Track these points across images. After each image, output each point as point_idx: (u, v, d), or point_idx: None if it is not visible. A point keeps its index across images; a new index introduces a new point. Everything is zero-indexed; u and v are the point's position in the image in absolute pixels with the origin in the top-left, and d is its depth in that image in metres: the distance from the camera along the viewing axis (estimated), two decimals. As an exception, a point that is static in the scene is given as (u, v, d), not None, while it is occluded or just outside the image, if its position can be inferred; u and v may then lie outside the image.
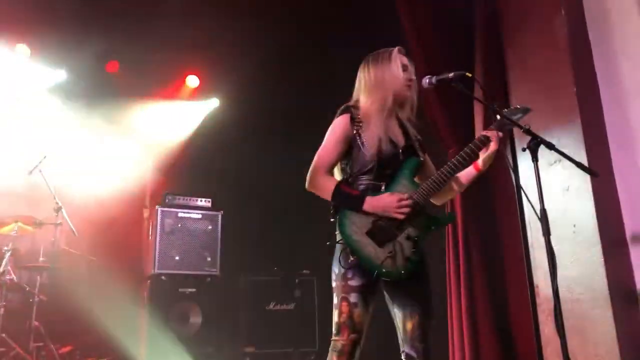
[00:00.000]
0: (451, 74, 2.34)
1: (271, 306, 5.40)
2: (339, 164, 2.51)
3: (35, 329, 4.70)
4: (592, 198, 3.03)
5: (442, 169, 2.38)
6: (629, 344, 2.88)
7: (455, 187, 2.53)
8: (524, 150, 2.20)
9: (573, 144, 3.18)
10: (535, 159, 2.17)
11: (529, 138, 2.19)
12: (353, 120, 2.45)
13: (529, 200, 2.21)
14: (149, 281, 5.23)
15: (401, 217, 2.29)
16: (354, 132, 2.44)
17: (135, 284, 5.61)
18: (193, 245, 5.42)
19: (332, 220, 2.41)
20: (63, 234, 5.37)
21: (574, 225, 3.15)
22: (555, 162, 3.31)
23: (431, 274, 2.46)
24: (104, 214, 5.81)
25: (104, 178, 5.94)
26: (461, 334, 4.00)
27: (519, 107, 2.39)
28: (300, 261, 5.78)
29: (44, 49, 5.86)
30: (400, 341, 2.39)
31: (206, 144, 6.44)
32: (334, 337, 2.29)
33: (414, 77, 2.50)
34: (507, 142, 3.75)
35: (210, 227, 5.56)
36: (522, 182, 2.30)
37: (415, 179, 2.44)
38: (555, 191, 3.28)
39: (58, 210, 5.21)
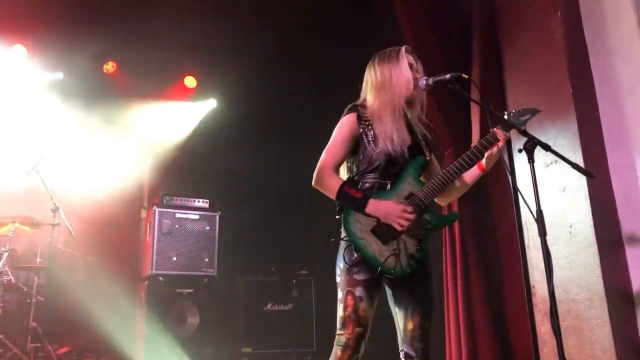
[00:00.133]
0: (447, 75, 2.34)
1: (269, 306, 5.40)
2: (345, 162, 2.52)
3: (32, 329, 4.69)
4: (588, 199, 3.05)
5: (447, 169, 2.38)
6: (625, 344, 2.89)
7: (459, 187, 2.54)
8: (520, 151, 2.21)
9: (569, 144, 3.19)
10: (531, 159, 2.18)
11: (525, 139, 2.20)
12: (360, 118, 2.46)
13: (525, 201, 2.22)
14: (146, 282, 5.23)
15: (400, 228, 2.29)
16: (361, 130, 2.45)
17: (132, 285, 5.61)
18: (191, 246, 5.41)
19: (337, 217, 2.41)
20: (60, 235, 5.36)
21: (570, 226, 3.16)
22: (551, 163, 3.32)
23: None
24: (102, 215, 5.81)
25: (102, 178, 5.94)
26: (458, 335, 4.01)
27: (527, 108, 2.38)
28: (297, 261, 5.78)
29: (41, 50, 5.86)
30: (399, 340, 2.40)
31: (204, 144, 6.44)
32: (338, 332, 2.29)
33: (420, 76, 2.49)
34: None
35: (207, 228, 5.55)
36: (518, 183, 2.30)
37: (421, 178, 2.44)
38: (552, 192, 3.29)
39: (55, 210, 5.20)
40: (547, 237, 2.12)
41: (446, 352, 4.12)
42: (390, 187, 2.38)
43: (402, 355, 2.38)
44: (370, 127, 2.44)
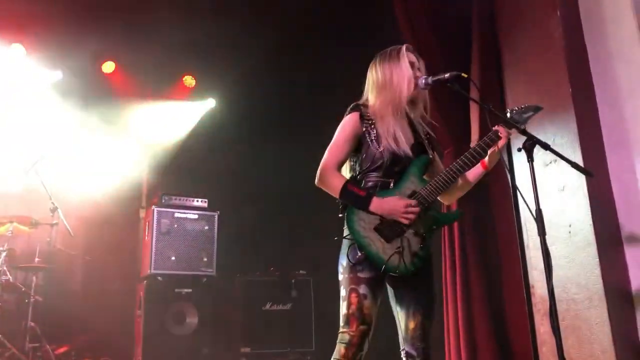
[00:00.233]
0: (447, 75, 2.34)
1: (267, 306, 5.40)
2: (348, 161, 2.52)
3: (31, 329, 4.69)
4: (587, 198, 3.05)
5: (450, 167, 2.38)
6: (624, 343, 2.89)
7: (462, 185, 2.54)
8: (519, 150, 2.21)
9: (568, 144, 3.19)
10: (530, 159, 2.18)
11: (524, 138, 2.20)
12: (363, 117, 2.47)
13: (524, 200, 2.22)
14: (145, 281, 5.22)
15: (407, 222, 2.29)
16: (364, 129, 2.45)
17: (131, 284, 5.60)
18: (189, 245, 5.40)
19: (340, 216, 2.41)
20: (59, 234, 5.36)
21: (570, 225, 3.16)
22: (550, 162, 3.32)
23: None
24: (100, 214, 5.81)
25: (100, 178, 5.94)
26: (457, 334, 4.01)
27: (529, 105, 2.38)
28: (296, 261, 5.78)
29: (40, 49, 5.85)
30: (400, 339, 2.40)
31: (203, 144, 6.44)
32: (341, 329, 2.28)
33: (421, 73, 2.49)
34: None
35: (206, 228, 5.55)
36: (517, 182, 2.29)
37: (424, 177, 2.44)
38: (551, 191, 3.29)
39: (54, 210, 5.20)
40: (547, 237, 2.12)
41: (445, 351, 4.12)
42: (393, 185, 2.39)
43: (403, 354, 2.38)
44: (373, 126, 2.44)
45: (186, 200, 5.62)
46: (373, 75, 2.55)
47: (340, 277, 2.36)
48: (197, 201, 5.66)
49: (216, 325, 5.27)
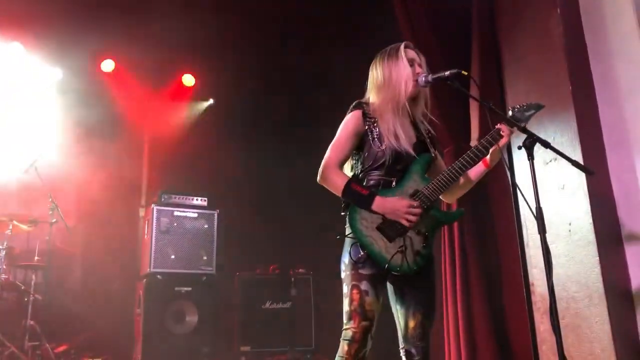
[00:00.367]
0: (447, 72, 2.34)
1: (267, 305, 5.39)
2: (350, 159, 2.52)
3: (30, 328, 4.69)
4: (587, 196, 3.04)
5: (452, 165, 2.38)
6: (624, 342, 2.89)
7: (464, 183, 2.54)
8: (519, 148, 2.20)
9: (568, 142, 3.19)
10: (530, 157, 2.17)
11: (524, 136, 2.19)
12: (365, 116, 2.46)
13: (524, 199, 2.21)
14: (144, 280, 5.22)
15: (408, 224, 2.29)
16: (366, 127, 2.45)
17: (130, 283, 5.60)
18: (189, 244, 5.40)
19: (342, 214, 2.40)
20: (58, 233, 5.36)
21: (570, 224, 3.16)
22: (550, 160, 3.32)
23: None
24: (100, 213, 5.81)
25: (100, 177, 5.93)
26: (457, 332, 4.01)
27: (531, 103, 2.38)
28: (296, 260, 5.78)
29: (39, 48, 5.85)
30: (400, 338, 2.40)
31: (202, 142, 6.44)
32: (344, 326, 2.29)
33: (422, 70, 2.49)
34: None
35: (206, 226, 5.54)
36: (517, 180, 2.29)
37: (426, 176, 2.44)
38: (551, 189, 3.29)
39: (53, 209, 5.20)
40: (547, 235, 2.11)
41: (445, 350, 4.12)
42: (396, 184, 2.38)
43: (402, 353, 2.38)
44: (375, 125, 2.44)
45: (186, 198, 5.62)
46: (374, 74, 2.55)
47: (343, 274, 2.37)
48: (197, 199, 5.66)
49: (216, 324, 5.27)
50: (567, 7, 3.40)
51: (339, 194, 2.38)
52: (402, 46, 2.52)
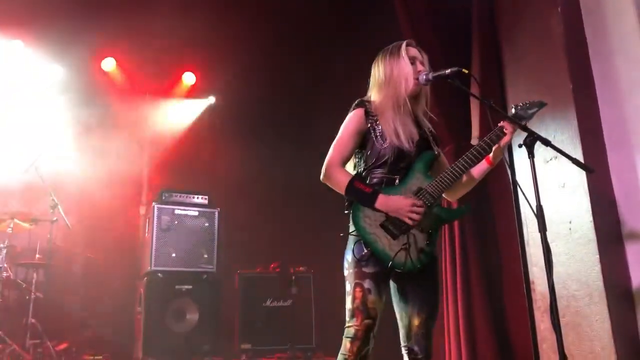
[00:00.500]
0: (448, 70, 2.34)
1: (268, 303, 5.40)
2: (352, 157, 2.52)
3: (31, 326, 4.70)
4: (587, 195, 3.04)
5: (456, 163, 2.38)
6: (624, 340, 2.89)
7: (467, 182, 2.53)
8: (520, 146, 2.20)
9: (569, 140, 3.19)
10: (531, 155, 2.17)
11: (525, 134, 2.19)
12: (367, 114, 2.47)
13: (525, 197, 2.21)
14: (145, 278, 5.23)
15: (411, 222, 2.28)
16: (369, 125, 2.45)
17: (131, 281, 5.61)
18: (190, 242, 5.41)
19: (346, 212, 2.40)
20: (59, 231, 5.37)
21: (570, 222, 3.16)
22: (551, 159, 3.32)
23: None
24: (101, 211, 5.81)
25: (101, 175, 5.93)
26: (457, 331, 4.02)
27: (533, 101, 2.38)
28: (296, 258, 5.78)
29: (40, 46, 5.85)
30: (402, 336, 2.39)
31: (203, 141, 6.45)
32: (347, 324, 2.28)
33: (423, 68, 2.49)
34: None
35: (207, 224, 5.55)
36: (518, 178, 2.29)
37: (429, 173, 2.43)
38: (551, 188, 3.29)
39: (54, 207, 5.20)
40: (547, 233, 2.11)
41: (446, 348, 4.12)
42: (399, 182, 2.38)
43: (404, 350, 2.38)
44: (377, 123, 2.44)
45: (186, 197, 5.63)
46: (375, 72, 2.55)
47: (346, 272, 2.36)
48: (198, 198, 5.67)
49: (216, 322, 5.27)
50: (568, 6, 3.39)
51: (342, 192, 2.38)
52: (404, 44, 2.52)
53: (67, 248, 5.46)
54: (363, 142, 2.47)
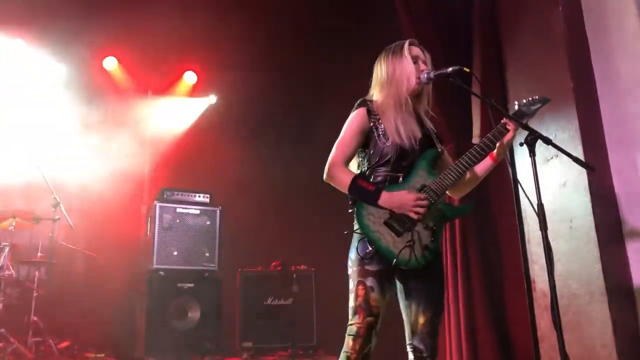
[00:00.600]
0: (449, 69, 2.34)
1: (269, 301, 5.41)
2: (356, 157, 2.52)
3: (34, 323, 4.71)
4: (588, 193, 3.05)
5: (459, 160, 2.37)
6: (625, 338, 2.89)
7: (471, 179, 2.54)
8: (521, 145, 2.20)
9: (570, 139, 3.19)
10: (532, 154, 2.17)
11: (526, 133, 2.20)
12: (370, 113, 2.47)
13: (526, 195, 2.22)
14: (147, 276, 5.24)
15: (416, 216, 2.28)
16: (371, 124, 2.45)
17: (133, 279, 5.62)
18: (191, 240, 5.42)
19: (350, 211, 2.40)
20: (61, 230, 5.37)
21: (571, 221, 3.17)
22: (552, 157, 3.32)
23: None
24: (103, 210, 5.81)
25: (102, 173, 5.94)
26: (458, 329, 4.02)
27: (537, 97, 2.38)
28: (298, 256, 5.79)
29: (42, 45, 5.86)
30: (407, 333, 2.39)
31: (204, 139, 6.45)
32: (349, 322, 2.29)
33: (426, 68, 2.49)
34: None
35: (208, 223, 5.56)
36: (519, 177, 2.30)
37: (434, 171, 2.43)
38: (552, 186, 3.29)
39: (56, 205, 5.21)
40: (548, 232, 2.12)
41: (446, 347, 4.13)
42: (403, 179, 2.38)
43: (409, 348, 2.37)
44: (380, 121, 2.44)
45: (188, 195, 5.64)
46: (378, 71, 2.55)
47: (349, 270, 2.37)
48: (199, 196, 5.67)
49: (218, 320, 5.28)
50: (569, 4, 3.39)
51: (345, 190, 2.38)
52: (406, 43, 2.52)
53: (69, 246, 5.47)
54: (366, 141, 2.47)
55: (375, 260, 2.28)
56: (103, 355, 5.13)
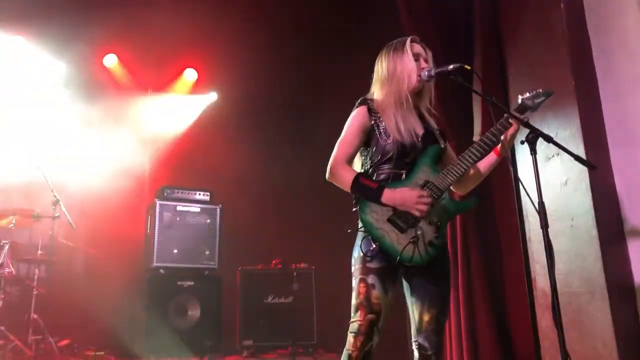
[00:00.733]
0: (450, 67, 2.33)
1: (269, 299, 5.40)
2: (359, 155, 2.52)
3: (33, 321, 4.70)
4: (590, 191, 3.04)
5: (463, 155, 2.37)
6: (626, 337, 2.89)
7: (474, 175, 2.53)
8: (522, 143, 2.20)
9: (571, 137, 3.19)
10: (533, 151, 2.17)
11: (527, 131, 2.19)
12: (371, 111, 2.46)
13: (527, 193, 2.21)
14: (147, 274, 5.23)
15: (419, 214, 2.27)
16: (372, 122, 2.45)
17: (133, 277, 5.61)
18: (191, 238, 5.41)
19: (354, 210, 2.40)
20: (61, 227, 5.37)
21: (572, 219, 3.16)
22: (553, 155, 3.32)
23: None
24: (102, 207, 5.80)
25: (102, 171, 5.94)
26: (459, 328, 4.02)
27: (540, 91, 2.37)
28: (298, 254, 5.78)
29: (42, 42, 5.85)
30: (413, 331, 2.39)
31: (205, 137, 6.44)
32: (351, 319, 2.29)
33: (427, 65, 2.48)
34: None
35: (208, 221, 5.55)
36: (520, 175, 2.29)
37: (437, 167, 2.43)
38: (554, 185, 3.28)
39: (56, 203, 5.20)
40: (549, 230, 2.11)
41: (447, 345, 4.12)
42: (406, 176, 2.37)
43: (414, 345, 2.37)
44: (381, 119, 2.44)
45: (188, 193, 5.63)
46: (379, 67, 2.55)
47: (352, 268, 2.37)
48: (199, 194, 5.67)
49: (218, 318, 5.28)
50: (571, 2, 3.38)
51: (348, 189, 2.38)
52: (408, 40, 2.52)
53: (69, 244, 5.46)
54: (367, 139, 2.47)
55: (378, 258, 2.28)
56: (103, 353, 5.12)
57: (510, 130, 2.36)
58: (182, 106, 6.82)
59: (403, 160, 2.38)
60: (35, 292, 4.82)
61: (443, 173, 2.36)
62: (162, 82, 6.72)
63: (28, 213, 5.07)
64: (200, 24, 5.59)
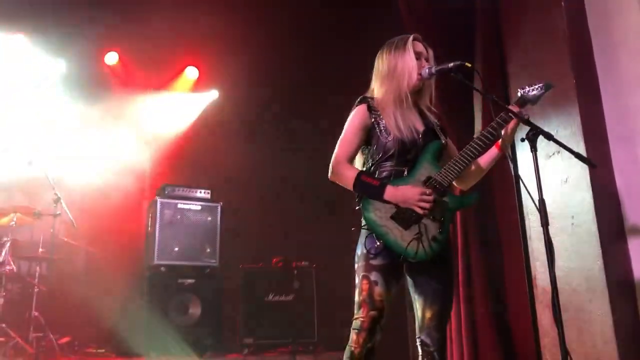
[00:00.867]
0: (451, 64, 2.33)
1: (270, 297, 5.40)
2: (360, 154, 2.53)
3: (34, 319, 4.71)
4: (590, 189, 3.04)
5: (464, 149, 2.37)
6: (626, 335, 2.89)
7: (476, 170, 2.53)
8: (522, 140, 2.20)
9: (572, 135, 3.19)
10: (533, 149, 2.17)
11: (527, 128, 2.19)
12: (371, 109, 2.47)
13: (527, 191, 2.21)
14: (148, 272, 5.23)
15: (422, 211, 2.28)
16: (372, 120, 2.45)
17: (134, 275, 5.62)
18: (192, 236, 5.41)
19: (357, 208, 2.40)
20: (62, 225, 5.38)
21: (573, 217, 3.16)
22: (554, 153, 3.32)
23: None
24: (103, 205, 5.81)
25: (103, 169, 5.94)
26: (459, 325, 4.02)
27: (541, 84, 2.36)
28: (299, 252, 5.79)
29: (43, 40, 5.85)
30: (417, 327, 2.40)
31: (206, 135, 6.44)
32: (354, 316, 2.30)
33: (428, 64, 2.48)
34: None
35: (209, 219, 5.56)
36: (520, 173, 2.29)
37: (439, 163, 2.43)
38: (554, 182, 3.29)
39: (57, 201, 5.21)
40: (549, 228, 2.11)
41: (447, 342, 4.12)
42: (407, 173, 2.38)
43: (418, 342, 2.38)
44: (381, 117, 2.44)
45: (189, 191, 5.63)
46: (379, 65, 2.55)
47: (355, 266, 2.38)
48: (200, 192, 5.67)
49: (219, 316, 5.29)
50: (572, 1, 3.38)
51: (350, 187, 2.39)
52: (410, 38, 2.51)
53: (70, 242, 5.47)
54: (368, 137, 2.48)
55: (381, 255, 2.29)
56: (104, 350, 5.14)
57: (510, 125, 2.36)
58: (183, 104, 6.82)
59: (404, 157, 2.39)
60: (36, 290, 4.83)
61: (445, 169, 2.36)
62: (163, 80, 6.73)
63: (29, 211, 5.08)
64: (202, 22, 5.59)
